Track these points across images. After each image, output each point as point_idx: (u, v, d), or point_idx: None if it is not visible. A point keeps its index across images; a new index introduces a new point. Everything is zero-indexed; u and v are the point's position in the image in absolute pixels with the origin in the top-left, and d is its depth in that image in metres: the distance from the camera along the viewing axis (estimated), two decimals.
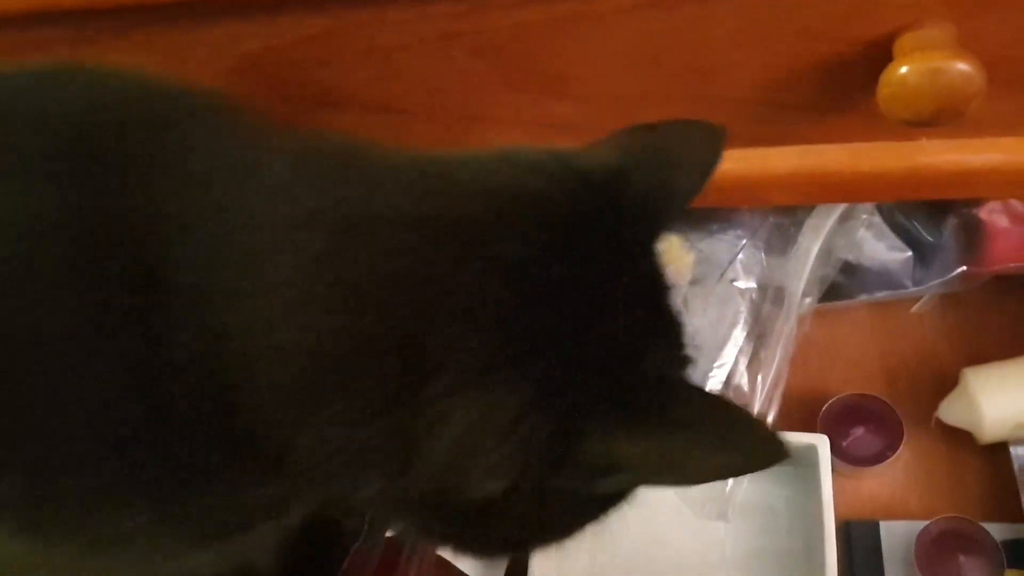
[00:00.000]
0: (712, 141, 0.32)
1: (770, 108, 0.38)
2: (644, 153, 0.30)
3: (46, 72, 0.32)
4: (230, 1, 0.36)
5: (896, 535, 0.53)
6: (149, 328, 0.26)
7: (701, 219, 0.54)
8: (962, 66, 0.32)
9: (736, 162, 0.40)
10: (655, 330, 0.29)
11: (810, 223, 0.52)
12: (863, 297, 0.60)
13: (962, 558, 0.50)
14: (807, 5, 0.34)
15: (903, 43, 0.33)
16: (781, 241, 0.54)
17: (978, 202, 0.57)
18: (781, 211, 0.53)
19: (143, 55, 0.39)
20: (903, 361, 0.60)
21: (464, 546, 0.32)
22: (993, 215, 0.56)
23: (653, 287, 0.30)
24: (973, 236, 0.57)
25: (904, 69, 0.32)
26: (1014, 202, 0.56)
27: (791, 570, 0.53)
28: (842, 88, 0.36)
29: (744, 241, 0.55)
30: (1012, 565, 0.50)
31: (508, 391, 0.26)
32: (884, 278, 0.58)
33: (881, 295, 0.60)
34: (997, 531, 0.51)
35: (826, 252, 0.54)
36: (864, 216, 0.54)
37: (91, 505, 0.28)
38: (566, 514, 0.30)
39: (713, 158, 0.32)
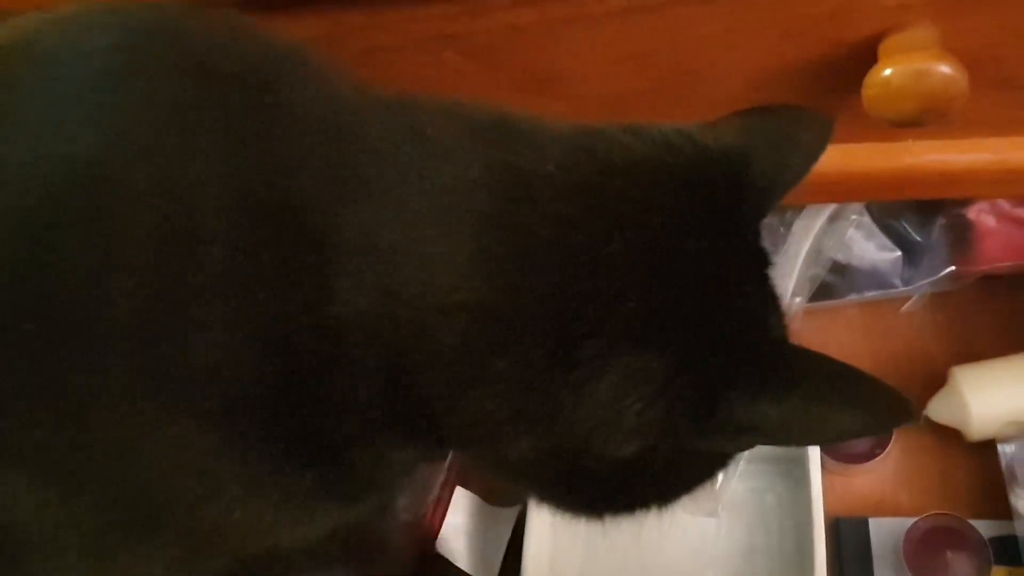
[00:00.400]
0: (821, 131, 0.33)
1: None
2: (761, 136, 0.32)
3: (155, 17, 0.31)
4: (236, 1, 0.37)
5: (885, 532, 0.54)
6: (317, 287, 0.27)
7: None
8: (945, 68, 0.33)
9: None
10: (769, 302, 0.31)
11: (799, 223, 0.53)
12: (853, 296, 0.60)
13: (950, 554, 0.51)
14: (792, 7, 0.34)
15: (887, 45, 0.34)
16: (770, 241, 0.54)
17: (966, 202, 0.57)
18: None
19: None
20: (893, 360, 0.61)
21: (581, 507, 0.33)
22: (981, 215, 0.57)
23: (763, 262, 0.31)
24: (962, 236, 0.57)
25: (888, 71, 0.33)
26: (1002, 201, 0.56)
27: (781, 567, 0.53)
28: (829, 89, 0.37)
29: None
30: (999, 562, 0.50)
31: (656, 355, 0.27)
32: (873, 278, 0.59)
33: (871, 294, 0.60)
34: (985, 528, 0.52)
35: (815, 252, 0.55)
36: (853, 216, 0.55)
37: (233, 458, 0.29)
38: (689, 473, 0.32)
39: (820, 147, 0.33)
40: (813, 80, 0.36)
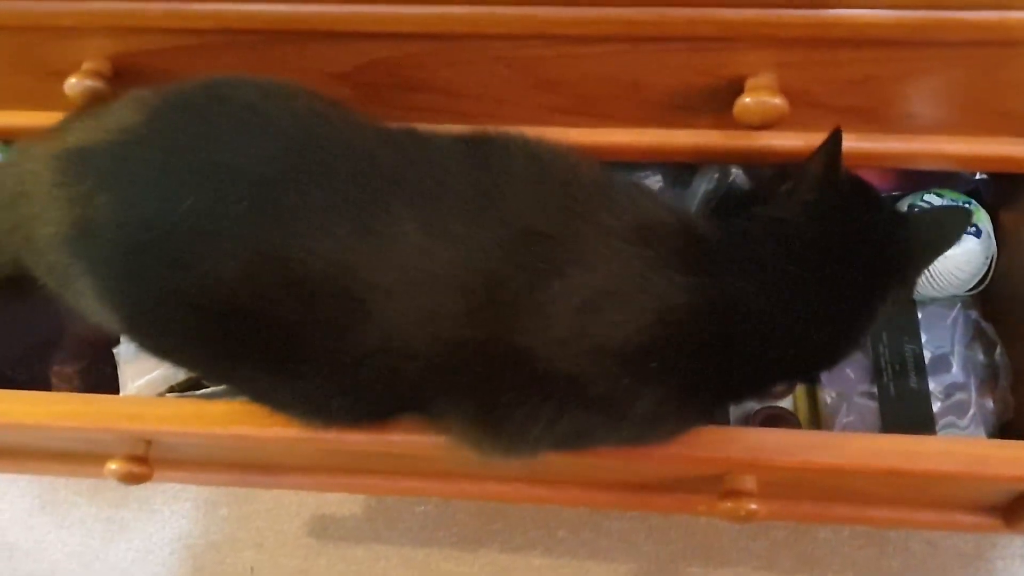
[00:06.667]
0: (960, 221, 0.64)
1: (679, 110, 0.64)
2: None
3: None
4: (374, 33, 0.60)
5: None
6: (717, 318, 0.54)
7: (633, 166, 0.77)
8: (777, 100, 0.58)
9: (659, 137, 0.67)
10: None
11: (701, 171, 0.77)
12: None
13: None
14: (698, 58, 0.60)
15: (749, 83, 0.60)
16: (682, 181, 0.78)
17: None
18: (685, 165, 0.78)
19: (295, 58, 0.63)
20: None
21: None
22: None
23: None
24: None
25: (748, 99, 0.58)
26: None
27: None
28: (716, 104, 0.62)
29: (659, 178, 0.80)
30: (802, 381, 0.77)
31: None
32: None
33: None
34: None
35: (712, 191, 0.78)
36: (734, 169, 0.77)
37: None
38: None
39: (955, 234, 0.63)
40: (708, 98, 0.62)
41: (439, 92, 0.66)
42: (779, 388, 0.75)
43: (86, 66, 0.65)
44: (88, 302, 0.54)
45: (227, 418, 0.66)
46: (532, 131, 0.65)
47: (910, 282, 0.61)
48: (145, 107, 0.55)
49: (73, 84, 0.64)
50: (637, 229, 0.54)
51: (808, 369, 0.59)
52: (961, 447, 0.59)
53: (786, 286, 0.54)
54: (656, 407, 0.54)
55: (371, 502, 1.08)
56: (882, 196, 0.60)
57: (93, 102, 0.64)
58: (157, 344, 0.56)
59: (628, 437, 0.57)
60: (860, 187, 0.61)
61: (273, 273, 0.50)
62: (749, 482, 0.65)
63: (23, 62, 0.67)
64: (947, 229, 0.61)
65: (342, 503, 1.08)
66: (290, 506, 1.10)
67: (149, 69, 0.65)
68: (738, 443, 0.61)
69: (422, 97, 0.66)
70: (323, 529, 1.08)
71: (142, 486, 1.11)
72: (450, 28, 0.58)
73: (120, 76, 0.65)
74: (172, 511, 1.12)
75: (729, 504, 0.65)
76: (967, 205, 0.76)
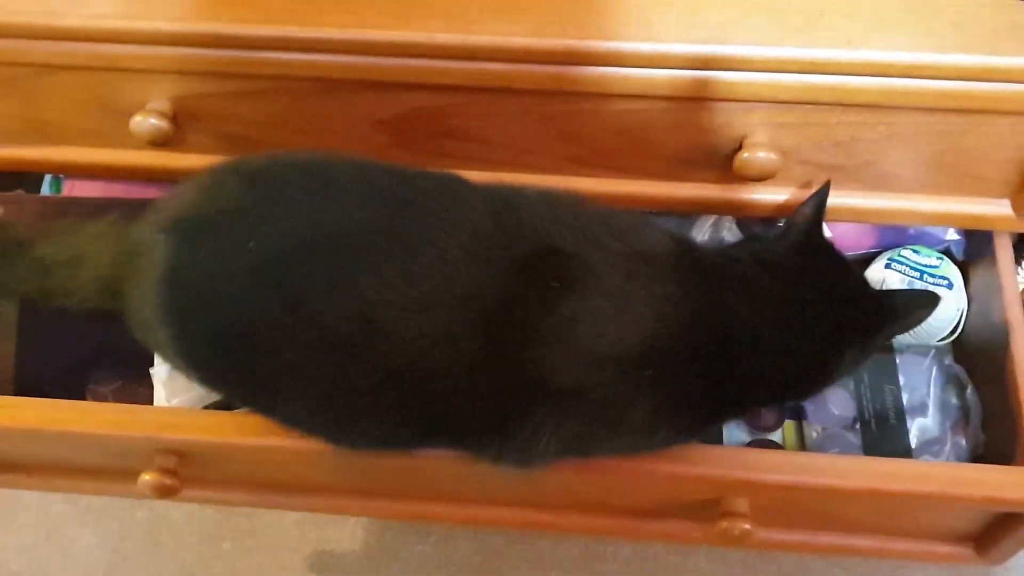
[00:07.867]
0: (927, 304, 0.65)
1: (683, 164, 0.71)
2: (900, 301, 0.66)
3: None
4: (419, 84, 0.67)
5: None
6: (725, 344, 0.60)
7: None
8: (762, 154, 0.66)
9: (665, 188, 0.74)
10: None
11: (697, 223, 0.84)
12: None
13: (763, 411, 0.81)
14: (703, 117, 0.67)
15: (746, 141, 0.67)
16: (682, 230, 0.84)
17: None
18: (684, 215, 0.84)
19: (342, 105, 0.69)
20: None
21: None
22: None
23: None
24: None
25: (745, 155, 0.66)
26: None
27: None
28: (718, 159, 0.69)
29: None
30: (789, 418, 0.82)
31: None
32: None
33: None
34: None
35: (706, 240, 0.85)
36: (727, 222, 0.82)
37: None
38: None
39: (921, 316, 0.65)
40: (711, 153, 0.69)
41: (471, 140, 0.72)
42: (766, 419, 0.81)
43: (150, 105, 0.71)
44: (165, 350, 0.63)
45: (260, 429, 0.70)
46: (552, 180, 0.73)
47: (875, 340, 0.65)
48: (225, 184, 0.62)
49: (139, 122, 0.70)
50: (639, 250, 0.60)
51: (788, 393, 0.65)
52: (938, 469, 0.65)
53: (770, 310, 0.60)
54: (651, 415, 0.59)
55: (371, 539, 1.11)
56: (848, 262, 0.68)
57: (156, 140, 0.70)
58: (212, 379, 0.64)
59: (626, 444, 0.62)
60: (833, 250, 0.67)
61: (296, 309, 0.56)
62: (742, 505, 0.71)
63: (91, 101, 0.73)
64: (914, 309, 0.65)
65: (342, 540, 1.12)
66: (291, 541, 1.13)
67: (206, 111, 0.72)
68: (732, 461, 0.66)
69: (455, 144, 0.73)
70: (323, 565, 1.11)
71: (146, 519, 1.14)
72: (486, 82, 0.65)
73: (179, 116, 0.72)
74: (177, 544, 1.15)
75: (724, 524, 0.70)
76: (940, 260, 0.83)
